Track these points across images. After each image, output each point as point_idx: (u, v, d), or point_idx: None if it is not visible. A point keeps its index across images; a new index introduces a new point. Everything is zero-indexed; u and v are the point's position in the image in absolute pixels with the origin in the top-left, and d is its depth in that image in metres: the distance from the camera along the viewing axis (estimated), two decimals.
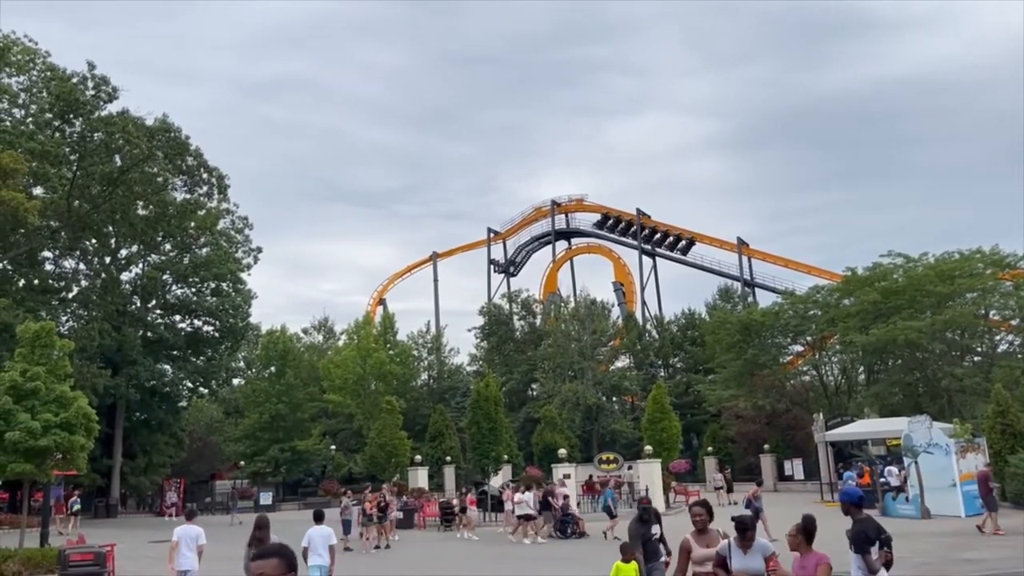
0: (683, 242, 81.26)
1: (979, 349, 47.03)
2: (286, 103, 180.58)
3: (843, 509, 8.20)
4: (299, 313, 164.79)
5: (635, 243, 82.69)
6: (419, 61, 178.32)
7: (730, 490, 37.85)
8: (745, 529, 7.42)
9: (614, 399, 67.49)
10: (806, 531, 7.25)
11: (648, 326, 76.61)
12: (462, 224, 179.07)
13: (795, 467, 46.64)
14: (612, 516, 24.39)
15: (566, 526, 25.71)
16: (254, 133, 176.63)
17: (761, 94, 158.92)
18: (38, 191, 39.13)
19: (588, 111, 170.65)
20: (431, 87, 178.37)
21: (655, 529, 10.58)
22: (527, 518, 24.47)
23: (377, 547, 24.05)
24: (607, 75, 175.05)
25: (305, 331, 78.26)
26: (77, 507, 35.35)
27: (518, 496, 24.99)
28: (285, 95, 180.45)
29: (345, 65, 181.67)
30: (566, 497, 28.64)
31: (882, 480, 31.31)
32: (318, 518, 13.40)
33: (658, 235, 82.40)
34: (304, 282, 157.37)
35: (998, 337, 47.08)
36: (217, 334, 50.45)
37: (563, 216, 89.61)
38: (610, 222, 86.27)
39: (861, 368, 53.34)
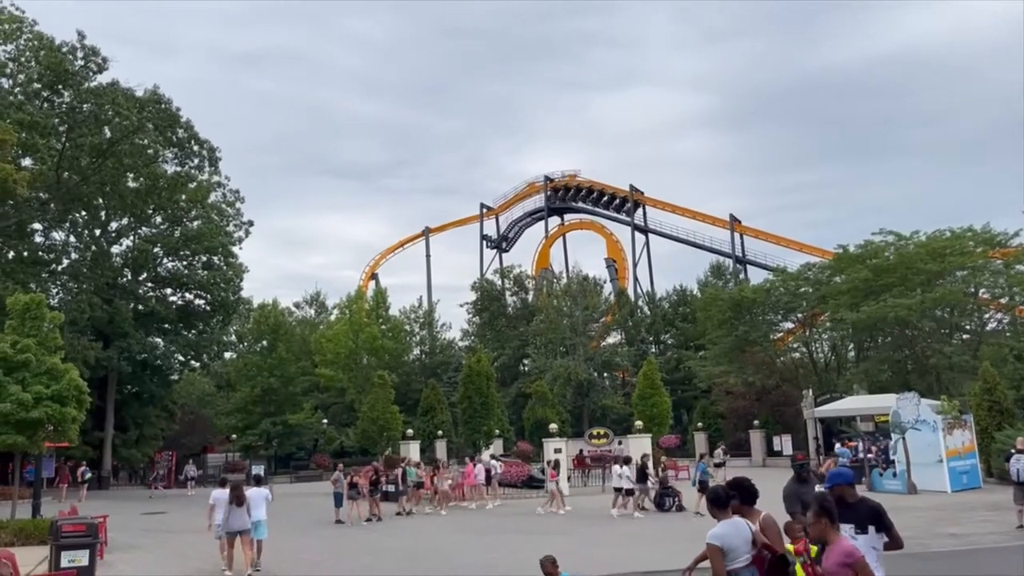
0: (628, 204, 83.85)
1: (968, 327, 47.32)
2: (271, 75, 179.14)
3: (837, 493, 6.75)
4: (287, 287, 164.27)
5: (628, 219, 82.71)
6: (406, 33, 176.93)
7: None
8: (718, 501, 6.15)
9: (605, 375, 67.87)
10: (829, 513, 5.71)
11: (640, 302, 76.82)
12: (451, 199, 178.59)
13: (784, 443, 47.01)
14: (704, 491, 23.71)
15: (664, 499, 24.97)
16: (238, 105, 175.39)
17: (753, 69, 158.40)
18: (27, 162, 38.74)
19: (577, 85, 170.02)
20: (418, 60, 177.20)
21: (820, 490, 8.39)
22: (628, 492, 23.67)
23: (368, 520, 24.16)
24: (596, 48, 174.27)
25: (297, 305, 78.36)
26: (88, 476, 37.85)
27: (616, 468, 24.42)
28: (270, 67, 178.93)
29: (331, 37, 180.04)
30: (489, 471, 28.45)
31: (870, 455, 31.66)
32: (257, 481, 17.31)
33: (605, 197, 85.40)
34: (292, 256, 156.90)
35: (987, 315, 47.38)
36: (208, 307, 50.34)
37: (555, 192, 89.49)
38: (561, 191, 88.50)
39: (851, 345, 53.64)
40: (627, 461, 24.97)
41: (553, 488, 25.61)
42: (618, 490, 23.91)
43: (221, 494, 15.66)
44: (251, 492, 15.52)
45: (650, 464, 26.22)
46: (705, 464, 26.03)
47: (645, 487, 24.78)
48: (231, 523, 14.68)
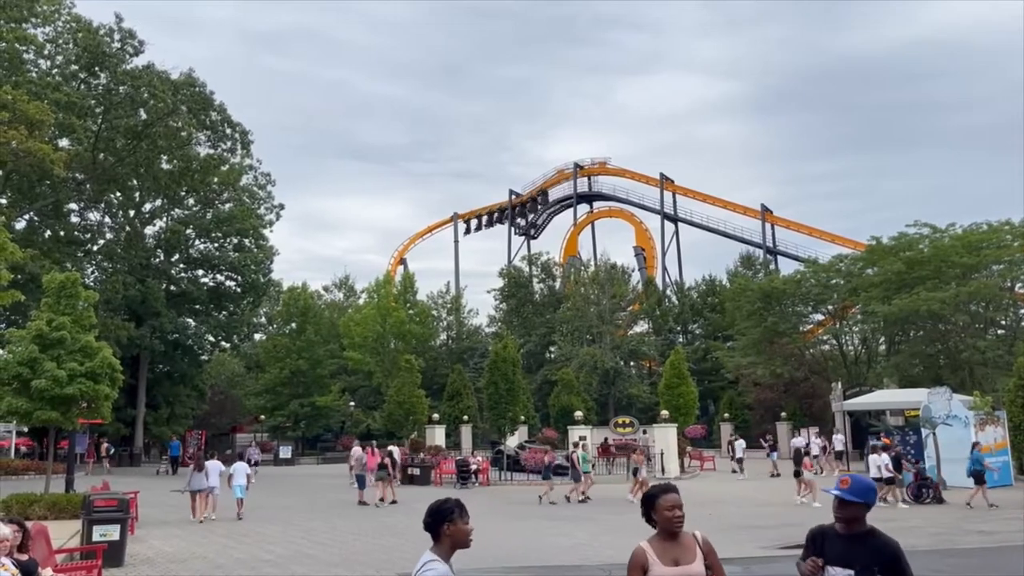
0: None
1: (1003, 322, 46.47)
2: (292, 55, 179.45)
3: (850, 513, 4.16)
4: (312, 270, 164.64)
5: (657, 208, 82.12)
6: (428, 14, 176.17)
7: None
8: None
9: (631, 364, 67.63)
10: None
11: (668, 292, 76.38)
12: (475, 183, 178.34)
13: (811, 435, 46.57)
14: (980, 482, 21.86)
15: (921, 490, 23.42)
16: (259, 85, 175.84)
17: (780, 55, 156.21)
18: (64, 143, 39.31)
19: (601, 69, 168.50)
20: (440, 41, 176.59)
21: None
22: (888, 481, 22.07)
23: (382, 499, 23.83)
24: (621, 32, 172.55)
25: (326, 288, 78.90)
26: (112, 451, 41.29)
27: (874, 458, 22.62)
28: (291, 47, 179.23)
29: (352, 16, 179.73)
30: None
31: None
32: (240, 456, 23.98)
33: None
34: (314, 239, 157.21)
35: (1023, 311, 46.50)
36: (239, 289, 50.89)
37: (585, 179, 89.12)
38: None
39: (882, 338, 52.97)
40: (884, 449, 23.25)
41: (808, 478, 23.71)
42: (878, 480, 22.03)
43: (215, 465, 20.14)
44: (236, 465, 20.87)
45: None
46: (979, 452, 23.73)
47: (901, 477, 23.40)
48: (192, 484, 19.45)
